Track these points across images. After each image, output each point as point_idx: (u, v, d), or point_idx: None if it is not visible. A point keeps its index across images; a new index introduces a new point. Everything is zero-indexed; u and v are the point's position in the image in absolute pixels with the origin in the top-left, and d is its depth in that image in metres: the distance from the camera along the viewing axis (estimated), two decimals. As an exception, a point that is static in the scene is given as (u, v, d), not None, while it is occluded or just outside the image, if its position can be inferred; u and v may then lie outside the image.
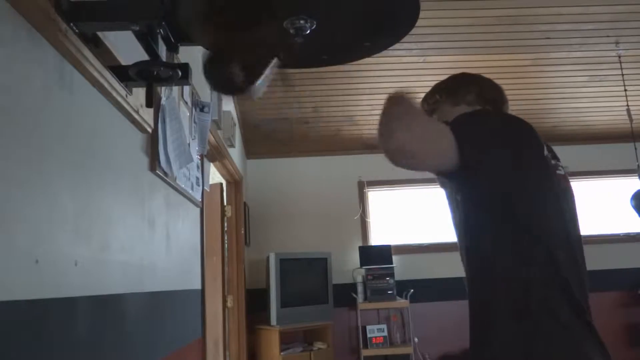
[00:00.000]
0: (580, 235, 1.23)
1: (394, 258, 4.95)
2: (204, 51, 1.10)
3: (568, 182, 1.26)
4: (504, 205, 1.12)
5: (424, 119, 1.12)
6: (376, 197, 5.40)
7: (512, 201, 1.12)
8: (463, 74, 1.45)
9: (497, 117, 1.27)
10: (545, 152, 1.19)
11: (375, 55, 1.28)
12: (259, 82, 1.08)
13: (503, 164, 1.10)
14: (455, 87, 1.39)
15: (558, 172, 1.23)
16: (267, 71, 1.09)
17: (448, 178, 1.22)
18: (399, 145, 1.04)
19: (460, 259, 1.28)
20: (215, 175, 3.92)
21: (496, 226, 1.13)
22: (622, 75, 4.06)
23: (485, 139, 1.11)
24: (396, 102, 1.11)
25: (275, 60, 1.10)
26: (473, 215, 1.19)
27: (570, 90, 4.46)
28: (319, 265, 4.76)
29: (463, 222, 1.23)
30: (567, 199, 1.22)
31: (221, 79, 1.10)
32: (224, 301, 3.58)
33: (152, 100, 1.26)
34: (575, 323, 1.08)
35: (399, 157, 1.05)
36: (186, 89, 2.26)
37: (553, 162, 1.23)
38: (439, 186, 1.46)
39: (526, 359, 1.05)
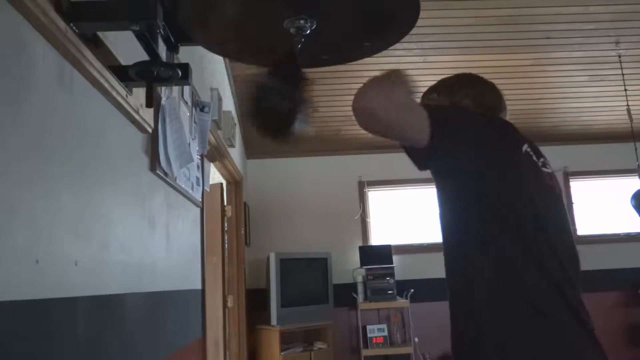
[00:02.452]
0: (569, 236, 1.20)
1: (394, 258, 4.95)
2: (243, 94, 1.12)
3: (555, 180, 1.24)
4: (473, 203, 1.14)
5: (404, 93, 1.11)
6: (376, 197, 5.40)
7: (480, 200, 1.13)
8: (467, 76, 1.43)
9: (476, 114, 1.27)
10: (524, 149, 1.19)
11: (375, 55, 1.28)
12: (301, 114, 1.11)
13: (472, 161, 1.12)
14: (455, 88, 1.37)
15: (544, 169, 1.22)
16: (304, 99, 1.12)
17: (410, 154, 1.20)
18: (365, 105, 1.05)
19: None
20: (215, 175, 3.92)
21: (464, 223, 1.15)
22: (622, 75, 4.06)
23: (458, 130, 1.13)
24: (391, 75, 1.12)
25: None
26: (444, 209, 1.22)
27: (570, 90, 4.46)
28: (319, 265, 4.76)
29: (439, 216, 1.25)
30: (550, 198, 1.19)
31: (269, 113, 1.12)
32: (224, 301, 3.57)
33: (152, 100, 1.26)
34: (549, 322, 1.06)
35: (361, 117, 1.06)
36: (186, 89, 2.26)
37: (539, 160, 1.22)
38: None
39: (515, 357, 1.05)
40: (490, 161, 1.13)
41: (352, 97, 1.08)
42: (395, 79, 1.11)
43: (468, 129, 1.14)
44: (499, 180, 1.13)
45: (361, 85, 1.08)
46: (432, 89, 1.41)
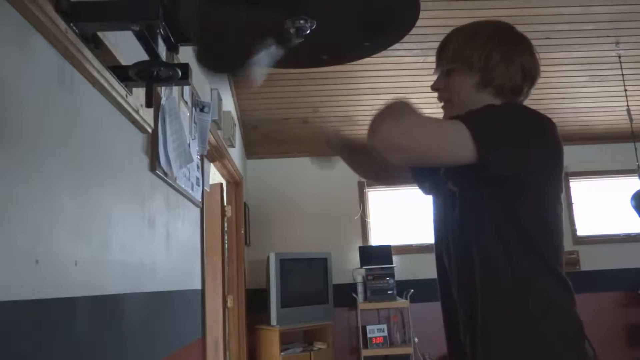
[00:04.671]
0: None
1: (394, 258, 4.95)
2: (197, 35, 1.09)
3: None
4: (526, 205, 1.11)
5: (419, 115, 1.05)
6: (376, 197, 5.40)
7: (534, 201, 1.11)
8: (498, 37, 1.19)
9: (528, 115, 1.14)
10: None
11: (375, 55, 1.28)
12: (254, 61, 1.07)
13: (535, 166, 1.09)
14: (489, 64, 1.17)
15: None
16: (264, 53, 1.08)
17: (454, 173, 1.18)
18: (383, 138, 1.00)
19: (446, 255, 1.24)
20: (215, 175, 3.92)
21: (512, 225, 1.10)
22: (622, 75, 4.06)
23: (513, 136, 1.06)
24: (393, 107, 1.05)
25: (272, 47, 1.09)
26: (484, 211, 1.12)
27: (570, 90, 4.46)
28: (319, 265, 4.76)
29: (466, 219, 1.16)
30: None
31: (215, 57, 1.09)
32: (224, 301, 3.58)
33: (152, 100, 1.26)
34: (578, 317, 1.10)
35: (387, 151, 1.02)
36: (186, 89, 2.26)
37: None
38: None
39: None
40: (550, 181, 1.13)
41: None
42: (399, 107, 1.05)
43: (527, 138, 1.08)
44: (550, 191, 1.13)
45: (371, 118, 1.03)
46: (467, 53, 1.20)
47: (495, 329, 1.09)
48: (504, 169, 1.04)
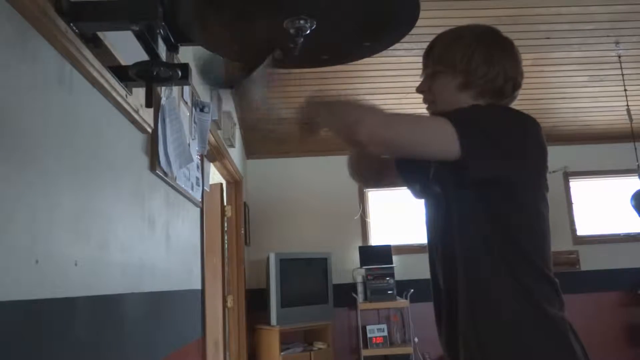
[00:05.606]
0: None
1: (394, 258, 4.95)
2: (199, 50, 1.10)
3: None
4: (508, 205, 1.11)
5: (399, 114, 1.06)
6: (376, 197, 5.40)
7: (516, 201, 1.11)
8: (479, 42, 1.20)
9: (509, 116, 1.16)
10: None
11: (375, 55, 1.28)
12: (254, 75, 1.08)
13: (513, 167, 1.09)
14: (471, 66, 1.18)
15: None
16: (263, 66, 1.10)
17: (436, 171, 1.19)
18: (368, 131, 1.00)
19: (435, 255, 1.23)
20: (215, 175, 3.92)
21: (495, 226, 1.11)
22: (622, 75, 4.06)
23: (494, 134, 1.07)
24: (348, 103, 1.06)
25: (271, 58, 1.10)
26: (467, 211, 1.13)
27: (570, 90, 4.46)
28: (319, 265, 4.76)
29: (450, 219, 1.17)
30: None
31: (217, 73, 1.09)
32: (224, 301, 3.58)
33: (152, 100, 1.26)
34: (564, 319, 1.10)
35: (371, 144, 1.02)
36: (186, 89, 2.26)
37: None
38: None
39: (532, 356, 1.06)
40: (537, 181, 1.14)
41: (352, 98, 1.07)
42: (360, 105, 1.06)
43: (506, 138, 1.09)
44: (534, 190, 1.14)
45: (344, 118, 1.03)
46: (452, 54, 1.20)
47: (476, 330, 1.09)
48: (486, 169, 1.05)
